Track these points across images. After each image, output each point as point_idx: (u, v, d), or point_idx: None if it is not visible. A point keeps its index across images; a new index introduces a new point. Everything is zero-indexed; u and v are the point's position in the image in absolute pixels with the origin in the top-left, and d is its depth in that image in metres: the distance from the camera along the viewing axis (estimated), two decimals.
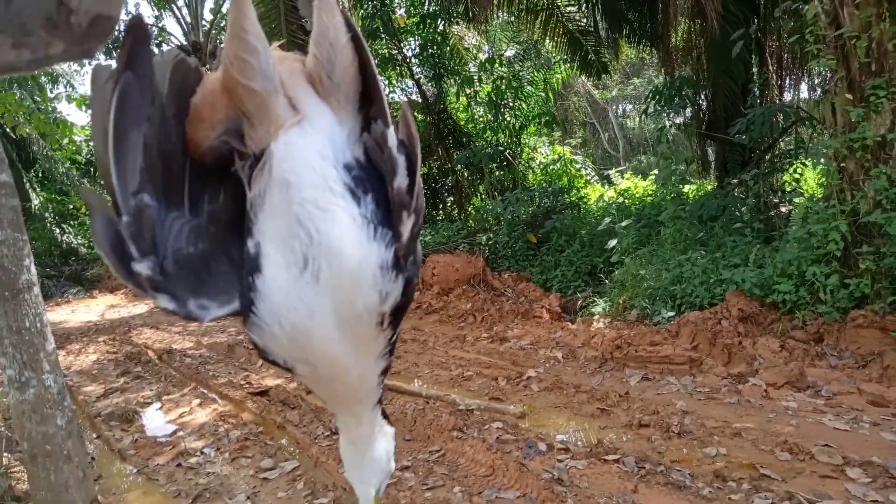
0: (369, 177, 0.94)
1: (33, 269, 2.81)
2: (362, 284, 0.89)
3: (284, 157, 0.88)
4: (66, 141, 12.74)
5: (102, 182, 0.85)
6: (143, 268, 0.79)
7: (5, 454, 3.76)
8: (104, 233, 0.80)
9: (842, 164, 5.49)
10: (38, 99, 14.61)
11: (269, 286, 0.86)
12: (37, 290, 2.82)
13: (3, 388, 2.92)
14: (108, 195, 0.83)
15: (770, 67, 9.91)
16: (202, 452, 4.37)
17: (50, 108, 16.17)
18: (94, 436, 4.83)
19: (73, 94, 15.53)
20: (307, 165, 0.89)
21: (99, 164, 0.84)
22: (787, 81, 10.76)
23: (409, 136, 0.99)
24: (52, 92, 17.12)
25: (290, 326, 0.86)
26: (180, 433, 4.80)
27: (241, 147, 0.90)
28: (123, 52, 0.80)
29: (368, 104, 1.01)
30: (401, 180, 0.95)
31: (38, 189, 16.39)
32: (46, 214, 16.63)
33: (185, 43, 12.04)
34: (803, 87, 11.64)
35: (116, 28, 0.49)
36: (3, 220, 2.72)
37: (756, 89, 9.31)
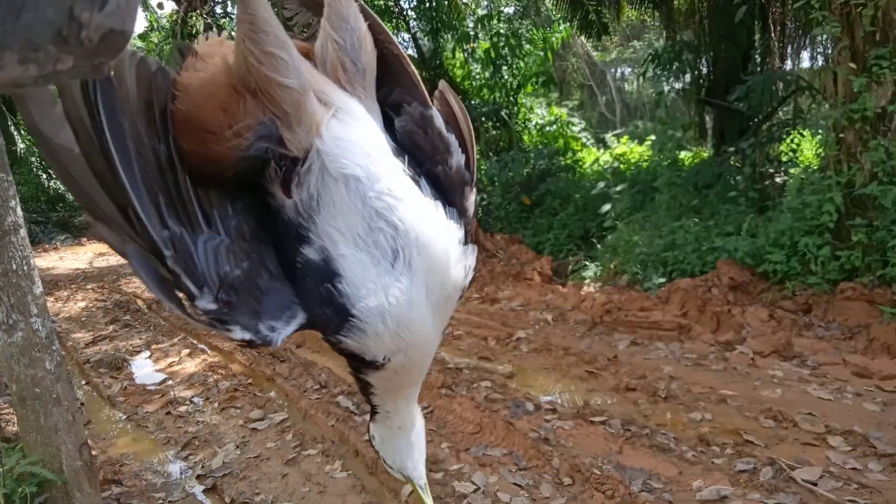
0: (413, 160, 0.92)
1: (19, 210, 2.74)
2: (451, 264, 0.90)
3: (340, 153, 0.84)
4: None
5: (85, 208, 0.75)
6: (206, 303, 0.75)
7: None
8: (153, 277, 0.74)
9: (840, 135, 5.46)
10: None
11: (361, 287, 0.83)
12: (23, 232, 2.76)
13: None
14: (111, 226, 0.74)
15: (773, 34, 9.77)
16: (191, 402, 4.40)
17: None
18: (83, 382, 4.85)
19: None
20: (369, 158, 0.85)
21: (77, 190, 0.73)
22: (789, 49, 10.63)
23: (453, 114, 0.99)
24: None
25: (393, 321, 0.85)
26: (169, 382, 4.82)
27: (286, 151, 0.83)
28: None
29: (385, 88, 0.99)
30: (458, 157, 0.96)
31: (23, 132, 16.01)
32: (32, 159, 16.26)
33: None
34: (805, 55, 11.53)
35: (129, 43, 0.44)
36: None
37: (757, 56, 9.20)
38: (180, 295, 0.75)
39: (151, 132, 0.76)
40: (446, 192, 0.94)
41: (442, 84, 1.04)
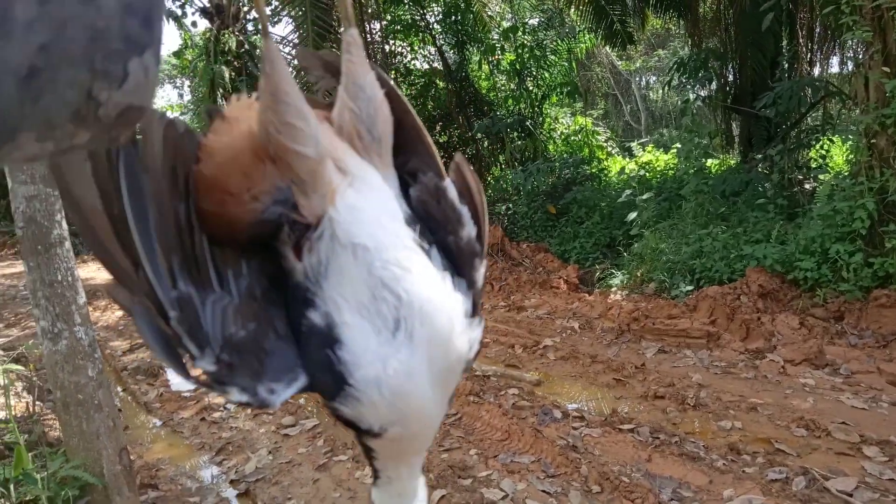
0: (425, 229, 0.93)
1: (64, 224, 2.84)
2: (454, 337, 0.90)
3: (352, 221, 0.85)
4: None
5: (105, 266, 0.77)
6: (206, 364, 0.76)
7: (37, 403, 3.89)
8: (156, 337, 0.75)
9: (872, 141, 5.39)
10: None
11: (360, 356, 0.83)
12: (68, 244, 2.86)
13: (37, 340, 3.01)
14: (126, 285, 0.76)
15: (800, 40, 9.67)
16: (225, 408, 4.48)
17: None
18: (121, 389, 4.96)
19: None
20: (379, 227, 0.87)
21: (97, 247, 0.75)
22: (818, 55, 10.50)
23: (468, 185, 1.00)
24: None
25: (390, 392, 0.84)
26: (203, 389, 4.92)
27: (299, 217, 0.84)
28: None
29: (403, 156, 1.00)
30: (469, 229, 0.97)
31: None
32: None
33: (208, 5, 11.96)
34: (834, 60, 11.36)
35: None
36: (36, 174, 2.75)
37: (785, 62, 9.10)
38: (184, 355, 0.77)
39: (174, 193, 0.78)
40: (456, 262, 0.95)
41: (458, 157, 1.04)
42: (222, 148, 0.84)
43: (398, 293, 0.84)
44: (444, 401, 0.95)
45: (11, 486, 2.69)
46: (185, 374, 0.76)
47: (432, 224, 0.94)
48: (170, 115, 0.82)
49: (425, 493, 1.13)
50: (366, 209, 0.87)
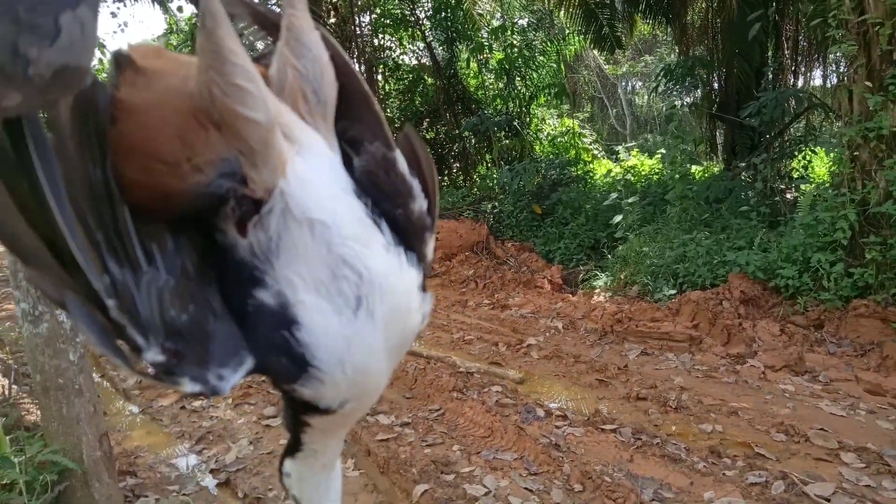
0: (373, 201, 0.89)
1: None
2: (411, 312, 0.90)
3: (305, 195, 0.79)
4: None
5: (11, 250, 0.66)
6: (154, 355, 0.68)
7: (13, 386, 3.80)
8: (96, 329, 0.66)
9: (855, 153, 5.47)
10: None
11: (322, 336, 0.79)
12: None
13: (14, 323, 2.93)
14: (42, 270, 0.65)
15: (785, 52, 9.82)
16: (206, 397, 4.42)
17: None
18: (99, 375, 4.87)
19: None
20: (335, 200, 0.82)
21: (7, 239, 0.64)
22: (802, 67, 10.67)
23: (417, 157, 0.97)
24: None
25: (352, 370, 0.83)
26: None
27: (248, 192, 0.76)
28: None
29: (343, 123, 0.95)
30: (420, 202, 0.94)
31: None
32: None
33: None
34: (817, 73, 11.56)
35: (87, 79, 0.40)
36: None
37: (770, 73, 9.24)
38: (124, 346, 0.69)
39: (85, 157, 0.67)
40: (406, 236, 0.91)
41: (407, 128, 1.01)
42: (148, 107, 0.73)
43: (359, 270, 0.81)
44: (391, 372, 0.95)
45: None
46: (130, 368, 0.69)
47: (379, 196, 0.90)
48: None
49: (340, 462, 1.11)
50: (318, 180, 0.82)
